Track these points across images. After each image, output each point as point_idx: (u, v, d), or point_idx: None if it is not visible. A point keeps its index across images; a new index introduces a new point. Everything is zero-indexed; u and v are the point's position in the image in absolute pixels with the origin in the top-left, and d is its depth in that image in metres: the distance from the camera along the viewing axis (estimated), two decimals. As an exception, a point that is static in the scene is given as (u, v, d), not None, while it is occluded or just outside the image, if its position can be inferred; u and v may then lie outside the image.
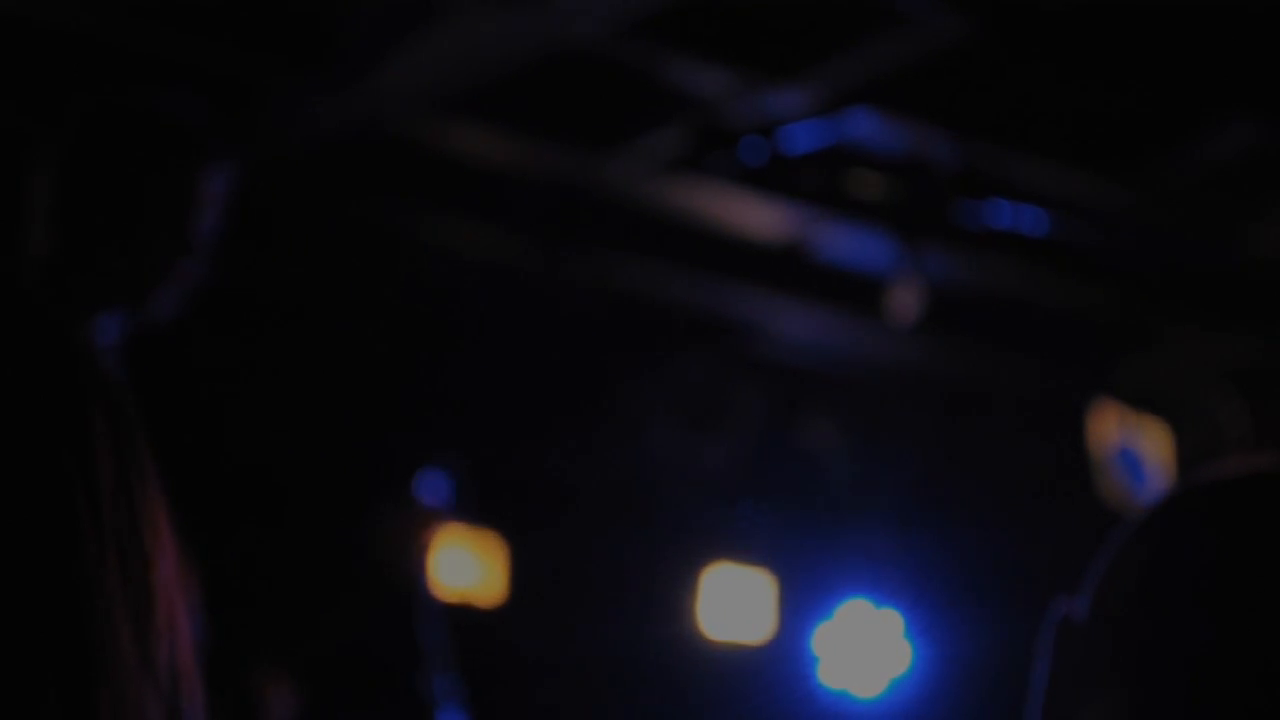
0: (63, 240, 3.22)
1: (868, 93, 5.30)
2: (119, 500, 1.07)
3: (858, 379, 7.62)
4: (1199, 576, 1.18)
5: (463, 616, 6.56)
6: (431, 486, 4.86)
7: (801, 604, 7.95)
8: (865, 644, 7.83)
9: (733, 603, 7.94)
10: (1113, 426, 7.27)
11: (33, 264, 3.21)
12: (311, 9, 5.24)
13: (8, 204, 3.40)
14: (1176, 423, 7.28)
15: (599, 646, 7.46)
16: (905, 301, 5.68)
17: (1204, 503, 1.21)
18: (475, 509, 5.56)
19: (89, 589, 1.03)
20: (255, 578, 6.55)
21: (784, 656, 7.89)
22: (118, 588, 1.04)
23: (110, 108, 3.36)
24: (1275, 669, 1.13)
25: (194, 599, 1.06)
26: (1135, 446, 7.23)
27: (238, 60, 5.38)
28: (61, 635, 1.02)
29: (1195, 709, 1.15)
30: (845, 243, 6.54)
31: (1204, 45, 5.29)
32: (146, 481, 1.10)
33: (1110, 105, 5.66)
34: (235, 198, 4.60)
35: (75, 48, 5.29)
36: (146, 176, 3.27)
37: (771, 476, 7.76)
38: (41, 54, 5.33)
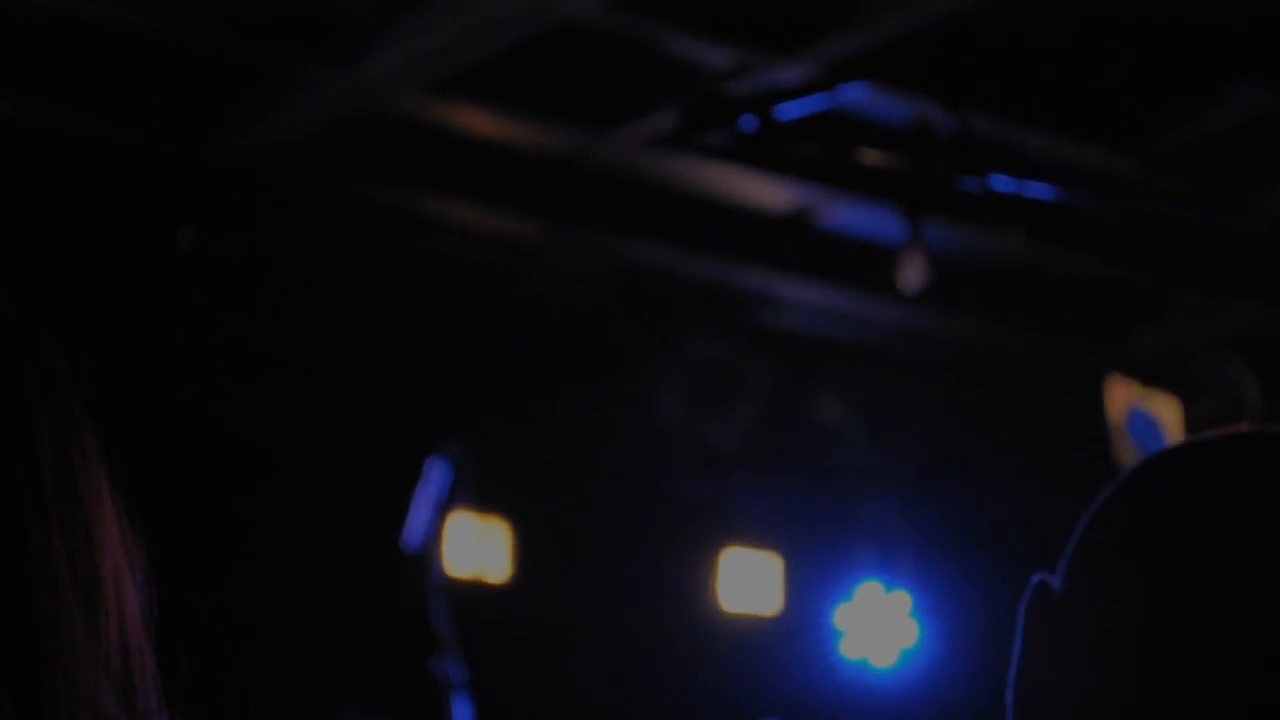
0: None
1: (870, 63, 5.27)
2: (59, 475, 1.05)
3: (867, 352, 7.60)
4: (1173, 541, 1.17)
5: (472, 596, 6.56)
6: (440, 473, 4.84)
7: (809, 581, 7.99)
8: (879, 621, 7.93)
9: (744, 579, 7.98)
10: (1125, 397, 7.24)
11: None
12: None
13: None
14: (1188, 393, 7.25)
15: (611, 623, 7.45)
16: (912, 271, 5.66)
17: (1174, 468, 1.21)
18: (482, 493, 5.56)
19: (34, 569, 1.02)
20: (259, 563, 6.55)
21: (795, 630, 7.94)
22: (63, 565, 1.03)
23: None
24: (1256, 625, 1.12)
25: (142, 570, 1.04)
26: (1149, 417, 7.20)
27: (237, 43, 5.36)
28: (7, 618, 1.00)
29: (1178, 672, 1.14)
30: (851, 214, 6.52)
31: (1210, 11, 5.25)
32: (87, 454, 1.09)
33: (1117, 73, 5.62)
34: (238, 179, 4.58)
35: (77, 32, 5.28)
36: None
37: (781, 452, 7.75)
38: (43, 39, 5.32)
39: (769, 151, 5.83)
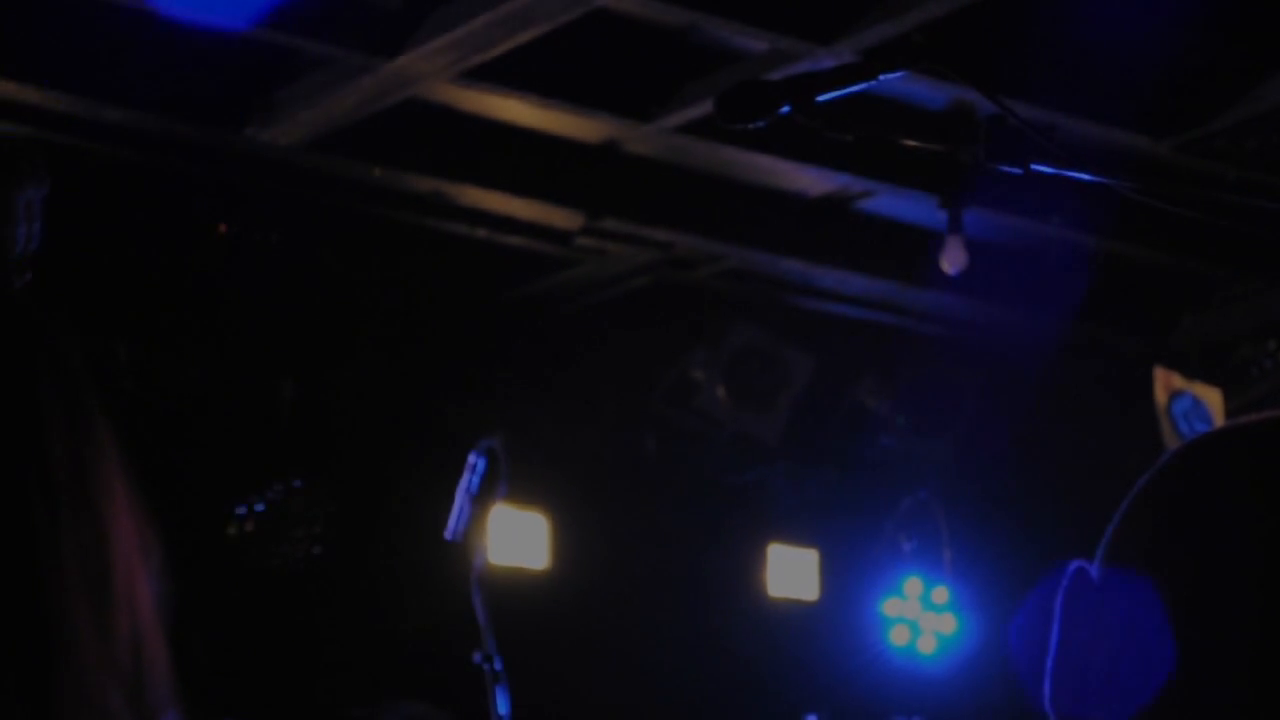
0: None
1: (909, 49, 5.24)
2: (71, 471, 1.05)
3: (908, 338, 7.57)
4: (1213, 527, 1.15)
5: (512, 587, 6.55)
6: (480, 465, 4.83)
7: (848, 572, 8.01)
8: (920, 611, 7.95)
9: (783, 569, 8.00)
10: (1171, 385, 7.21)
11: None
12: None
13: None
14: (1231, 380, 7.21)
15: (649, 612, 7.45)
16: (953, 256, 5.64)
17: (1212, 454, 1.19)
18: (520, 484, 5.55)
19: (42, 565, 1.02)
20: (300, 555, 6.55)
21: (834, 620, 7.96)
22: (72, 561, 1.03)
23: None
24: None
25: (156, 565, 1.04)
26: (1193, 404, 7.16)
27: (275, 34, 5.35)
28: (15, 614, 1.00)
29: (1219, 658, 1.12)
30: (890, 201, 6.49)
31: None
32: (101, 449, 1.08)
33: (1158, 57, 5.59)
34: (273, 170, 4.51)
35: (114, 24, 5.28)
36: None
37: (821, 441, 7.73)
38: (81, 30, 5.32)
39: (807, 139, 5.80)
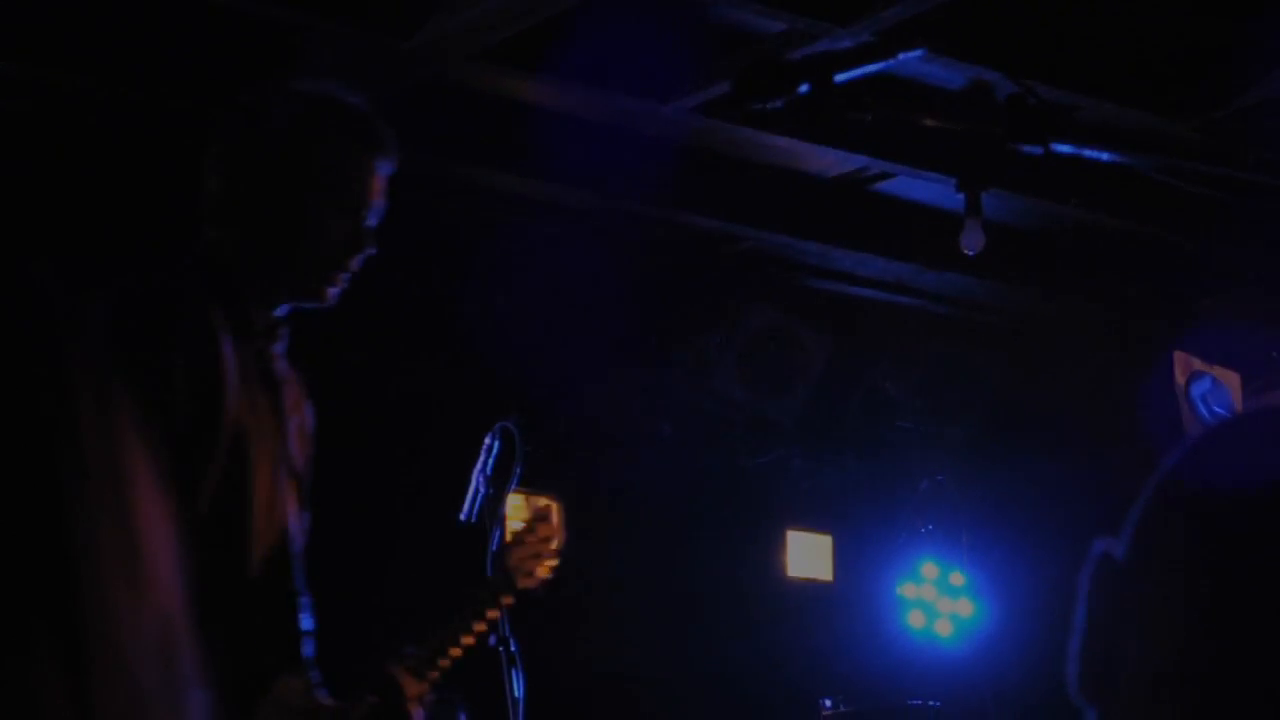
0: (235, 229, 3.18)
1: (928, 28, 5.22)
2: (101, 447, 1.06)
3: (925, 320, 7.56)
4: (1239, 508, 1.14)
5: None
6: (496, 447, 4.82)
7: (864, 555, 8.00)
8: (937, 594, 7.95)
9: (798, 552, 8.01)
10: (1190, 369, 7.19)
11: (206, 251, 3.17)
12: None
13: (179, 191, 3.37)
14: (1248, 368, 7.19)
15: (664, 595, 7.44)
16: (972, 236, 5.63)
17: (1237, 436, 1.18)
18: (534, 466, 5.55)
19: (77, 539, 1.02)
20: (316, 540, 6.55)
21: (848, 600, 7.97)
22: (106, 536, 1.04)
23: (281, 95, 3.31)
24: None
25: (175, 543, 1.04)
26: (1213, 387, 7.14)
27: (290, 14, 5.34)
28: (53, 588, 1.01)
29: (1245, 640, 1.11)
30: (909, 182, 6.48)
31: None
32: (126, 427, 1.09)
33: (1178, 36, 5.56)
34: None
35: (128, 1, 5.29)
36: (318, 165, 3.21)
37: (837, 424, 7.72)
38: (97, 8, 5.33)
39: (826, 119, 5.79)
